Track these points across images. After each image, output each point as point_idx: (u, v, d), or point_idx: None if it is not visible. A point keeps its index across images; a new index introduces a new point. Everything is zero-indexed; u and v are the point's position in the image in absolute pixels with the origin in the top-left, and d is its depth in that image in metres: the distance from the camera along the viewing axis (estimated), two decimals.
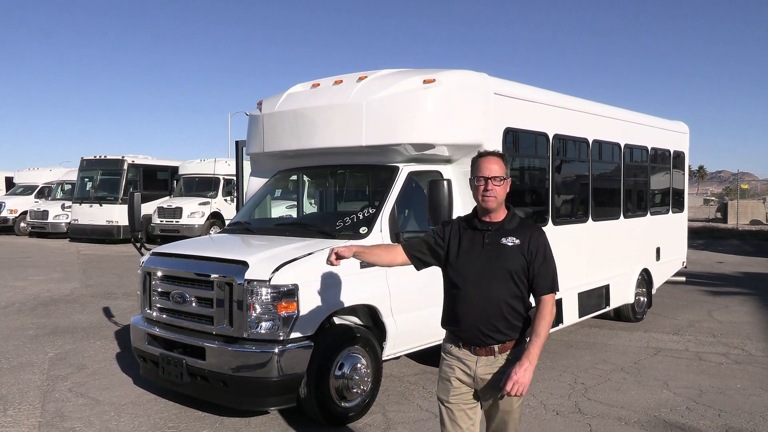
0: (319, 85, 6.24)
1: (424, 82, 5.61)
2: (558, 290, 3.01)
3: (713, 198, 62.33)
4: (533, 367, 2.84)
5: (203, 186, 21.24)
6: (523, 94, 6.69)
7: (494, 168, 2.96)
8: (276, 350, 4.63)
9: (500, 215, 3.03)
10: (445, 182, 4.73)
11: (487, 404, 3.05)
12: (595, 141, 7.93)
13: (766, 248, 20.78)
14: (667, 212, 9.96)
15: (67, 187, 24.71)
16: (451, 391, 3.04)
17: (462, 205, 5.44)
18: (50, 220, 23.22)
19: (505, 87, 6.40)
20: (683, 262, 10.51)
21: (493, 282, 2.93)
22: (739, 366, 6.71)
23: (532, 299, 3.05)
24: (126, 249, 18.85)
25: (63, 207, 23.16)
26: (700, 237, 23.83)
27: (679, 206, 10.35)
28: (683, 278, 10.59)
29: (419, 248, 3.17)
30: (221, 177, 21.12)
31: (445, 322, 3.11)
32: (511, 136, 6.49)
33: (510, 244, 2.95)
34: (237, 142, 7.46)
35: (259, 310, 4.67)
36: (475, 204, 3.08)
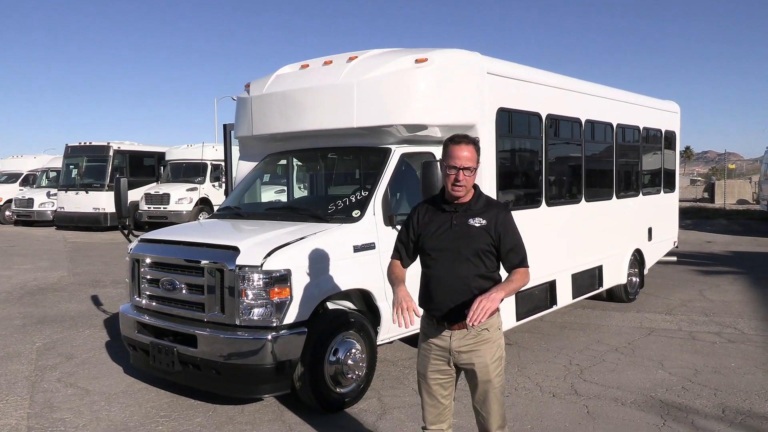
0: (308, 66, 6.10)
1: (416, 61, 5.50)
2: (528, 266, 3.09)
3: (700, 178, 62.77)
4: (500, 297, 2.85)
5: (191, 172, 21.02)
6: (516, 73, 6.58)
7: (466, 156, 3.01)
8: (269, 337, 4.55)
9: (467, 197, 3.11)
10: (439, 164, 4.63)
11: (468, 376, 3.16)
12: (587, 121, 7.86)
13: (754, 227, 20.94)
14: (658, 192, 9.94)
15: (53, 174, 24.34)
16: (428, 366, 3.16)
17: None
18: (36, 208, 22.93)
19: (498, 66, 6.29)
20: (674, 242, 10.54)
21: (460, 261, 3.04)
22: (732, 345, 6.73)
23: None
24: (113, 236, 18.65)
25: (48, 195, 22.84)
26: (688, 217, 23.96)
27: (670, 186, 10.33)
28: (674, 258, 10.62)
29: (399, 251, 3.27)
30: (209, 162, 20.89)
31: (421, 301, 3.19)
32: (505, 116, 6.39)
33: (477, 224, 3.05)
34: (225, 126, 7.31)
35: (251, 296, 4.58)
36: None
